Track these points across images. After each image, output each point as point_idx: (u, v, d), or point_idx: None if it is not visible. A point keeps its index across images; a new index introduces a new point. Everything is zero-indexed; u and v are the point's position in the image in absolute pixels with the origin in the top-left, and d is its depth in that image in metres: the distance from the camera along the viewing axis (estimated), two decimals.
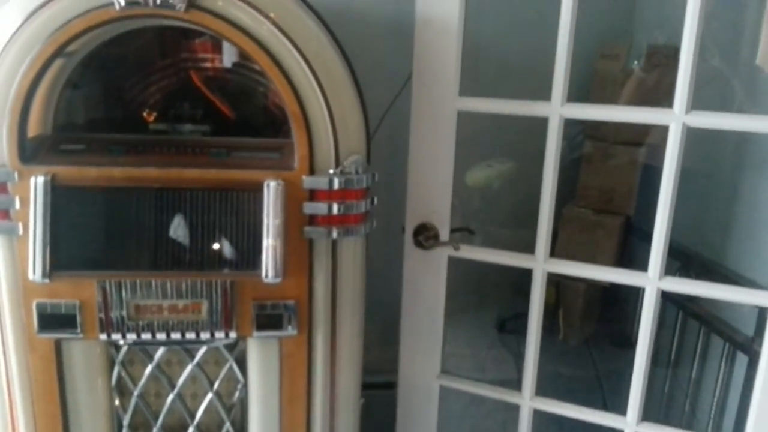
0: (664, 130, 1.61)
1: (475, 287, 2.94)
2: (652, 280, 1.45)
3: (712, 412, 1.80)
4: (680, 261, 1.88)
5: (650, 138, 2.10)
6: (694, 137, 1.39)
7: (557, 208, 1.56)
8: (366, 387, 1.62)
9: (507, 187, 2.71)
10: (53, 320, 1.29)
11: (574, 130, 2.40)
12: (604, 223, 2.08)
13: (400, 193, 1.68)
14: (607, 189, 2.09)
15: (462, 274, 1.79)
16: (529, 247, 1.62)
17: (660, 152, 2.05)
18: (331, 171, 1.32)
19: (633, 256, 2.15)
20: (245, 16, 1.23)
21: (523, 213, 1.98)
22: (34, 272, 1.22)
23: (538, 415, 1.69)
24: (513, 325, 2.85)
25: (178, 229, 1.28)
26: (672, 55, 2.05)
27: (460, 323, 2.77)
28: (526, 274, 1.63)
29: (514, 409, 1.71)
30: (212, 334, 1.35)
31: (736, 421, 1.67)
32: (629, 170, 2.09)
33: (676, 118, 1.36)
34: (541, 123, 1.52)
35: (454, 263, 1.67)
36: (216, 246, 1.30)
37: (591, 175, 2.12)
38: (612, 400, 2.33)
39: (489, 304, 3.00)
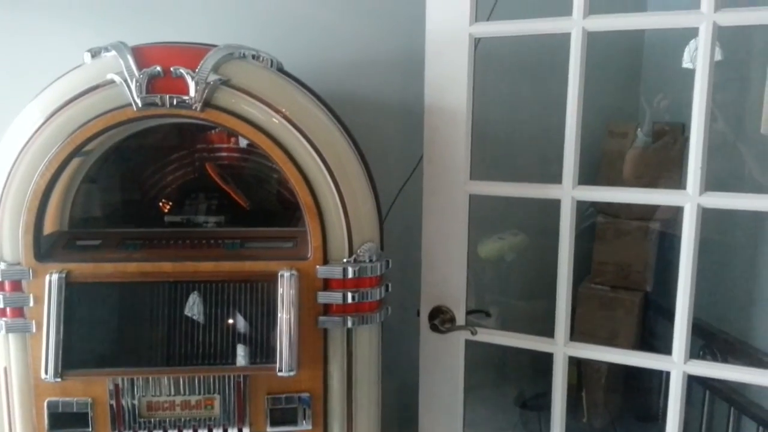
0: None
1: (494, 363, 2.87)
2: (678, 365, 1.41)
3: None
4: (703, 339, 1.83)
5: (662, 213, 2.09)
6: (710, 211, 1.38)
7: (573, 286, 1.54)
8: None
9: (520, 260, 2.69)
10: (64, 419, 1.27)
11: (585, 203, 2.40)
12: (622, 300, 2.04)
13: (414, 276, 1.66)
14: (623, 265, 2.06)
15: (480, 351, 1.75)
16: (546, 320, 1.59)
17: (674, 225, 2.04)
18: (345, 260, 1.32)
19: (654, 332, 2.10)
20: (258, 112, 1.26)
21: (538, 285, 1.95)
22: (47, 372, 1.21)
23: None
24: (535, 403, 2.76)
25: (194, 308, 1.27)
26: (676, 131, 2.08)
27: (480, 401, 2.69)
28: (546, 353, 1.59)
29: None
30: (225, 430, 1.31)
31: None
32: (644, 245, 2.06)
33: (691, 199, 1.35)
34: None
35: (472, 341, 1.63)
36: (229, 339, 1.28)
37: (605, 252, 2.10)
38: None
39: (509, 380, 2.93)
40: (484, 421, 2.65)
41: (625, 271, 2.05)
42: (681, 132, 2.07)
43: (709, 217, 1.38)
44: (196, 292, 1.28)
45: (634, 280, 2.05)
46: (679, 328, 1.39)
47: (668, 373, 1.45)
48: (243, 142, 1.67)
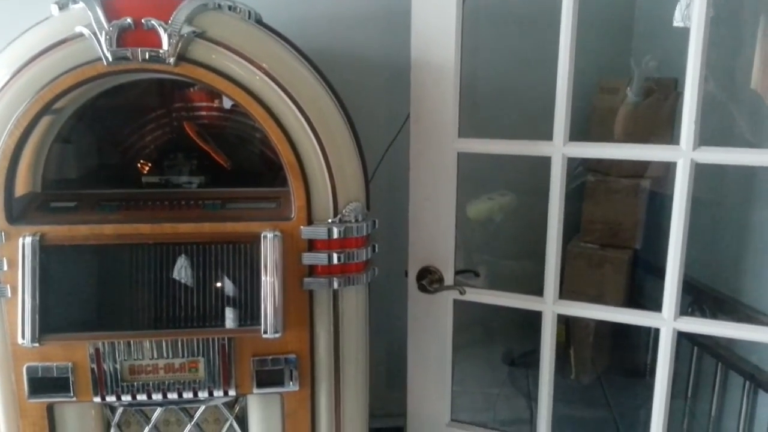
0: (666, 162, 1.56)
1: (483, 322, 2.88)
2: (667, 321, 1.40)
3: None
4: (691, 296, 1.83)
5: (653, 170, 2.06)
6: (701, 168, 1.36)
7: (562, 245, 1.52)
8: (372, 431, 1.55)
9: (509, 220, 2.67)
10: (44, 384, 1.24)
11: (574, 162, 2.37)
12: (611, 258, 2.03)
13: (401, 236, 1.64)
14: (612, 223, 2.04)
15: (470, 310, 1.74)
16: (534, 280, 1.57)
17: (664, 183, 2.02)
18: (330, 220, 1.29)
19: (643, 289, 2.10)
20: (237, 67, 1.21)
21: (527, 245, 1.93)
22: (23, 337, 1.18)
23: None
24: (523, 361, 2.78)
25: (182, 271, 1.24)
26: (667, 86, 2.04)
27: (467, 359, 2.70)
28: (533, 311, 1.58)
29: None
30: (210, 393, 1.29)
31: None
32: (634, 203, 2.04)
33: (684, 155, 1.32)
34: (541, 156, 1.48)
35: (460, 301, 1.62)
36: (212, 301, 1.25)
37: (595, 210, 2.08)
38: None
39: (497, 339, 2.94)
40: (472, 379, 2.67)
41: (615, 229, 2.03)
42: (674, 87, 2.03)
43: (700, 175, 1.35)
44: (183, 255, 1.24)
45: (624, 238, 2.04)
46: (669, 284, 1.37)
47: (657, 330, 1.45)
48: (224, 102, 1.61)
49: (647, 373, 2.29)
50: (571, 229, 2.30)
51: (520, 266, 2.28)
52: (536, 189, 1.59)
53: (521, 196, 2.54)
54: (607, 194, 2.04)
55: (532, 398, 1.87)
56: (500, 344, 2.90)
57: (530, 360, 2.39)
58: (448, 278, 1.58)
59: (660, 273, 1.43)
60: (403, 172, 1.59)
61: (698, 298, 1.82)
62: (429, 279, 1.59)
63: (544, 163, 1.47)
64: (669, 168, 1.82)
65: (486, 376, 2.80)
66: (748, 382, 1.69)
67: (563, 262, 1.53)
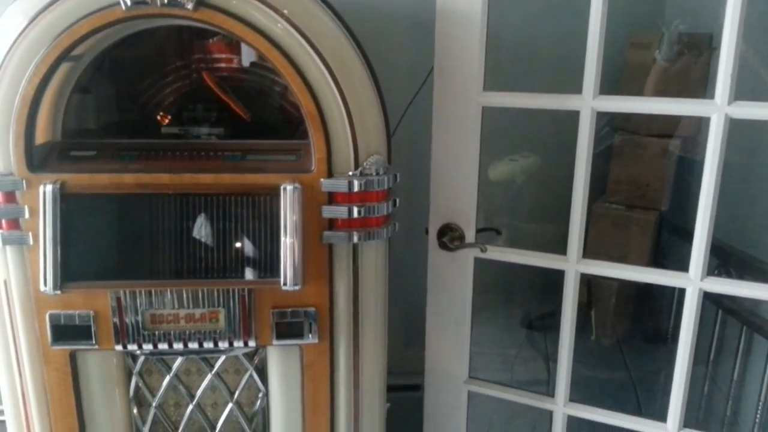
0: (697, 121, 1.52)
1: (502, 284, 2.87)
2: (694, 281, 1.37)
3: (758, 416, 1.70)
4: (719, 258, 1.78)
5: (683, 130, 2.00)
6: (734, 129, 1.30)
7: (587, 205, 1.48)
8: (391, 389, 1.56)
9: (531, 182, 2.63)
10: (67, 331, 1.26)
11: (601, 122, 2.30)
12: (637, 219, 1.98)
13: (423, 193, 1.61)
14: (639, 183, 1.99)
15: (489, 272, 1.72)
16: (556, 243, 1.55)
17: (694, 143, 1.96)
18: (351, 173, 1.26)
19: (668, 252, 2.06)
20: (258, 14, 1.17)
21: (549, 208, 1.90)
22: (46, 284, 1.19)
23: (569, 419, 1.61)
24: (541, 323, 2.77)
25: (202, 230, 1.23)
26: (701, 43, 1.96)
27: (486, 321, 2.70)
28: (553, 273, 1.55)
29: (545, 410, 1.64)
30: (231, 343, 1.30)
31: None
32: (662, 163, 1.99)
33: (718, 109, 1.27)
34: (566, 115, 1.44)
35: (480, 261, 1.60)
36: (232, 253, 1.25)
37: (622, 169, 2.03)
38: (647, 402, 2.25)
39: (516, 301, 2.93)
40: (490, 341, 2.67)
41: (642, 190, 1.99)
42: (708, 44, 1.95)
43: (731, 138, 1.30)
44: (203, 214, 1.24)
45: (651, 199, 1.99)
46: (697, 242, 1.34)
47: (680, 296, 1.42)
48: (244, 54, 1.58)
49: (668, 339, 2.26)
50: (596, 190, 2.25)
51: (541, 230, 2.25)
52: (561, 150, 1.55)
53: (545, 158, 2.49)
54: (635, 154, 1.98)
55: (550, 359, 1.86)
56: (519, 308, 2.89)
57: (549, 322, 2.38)
58: (470, 236, 1.56)
59: (687, 235, 1.39)
60: (425, 127, 1.55)
61: (725, 261, 1.78)
62: (450, 236, 1.57)
63: (570, 122, 1.42)
64: (700, 127, 1.77)
65: (504, 339, 2.80)
66: None
67: (587, 223, 1.50)
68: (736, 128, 1.30)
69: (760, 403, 1.70)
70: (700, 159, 1.33)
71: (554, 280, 1.57)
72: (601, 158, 2.23)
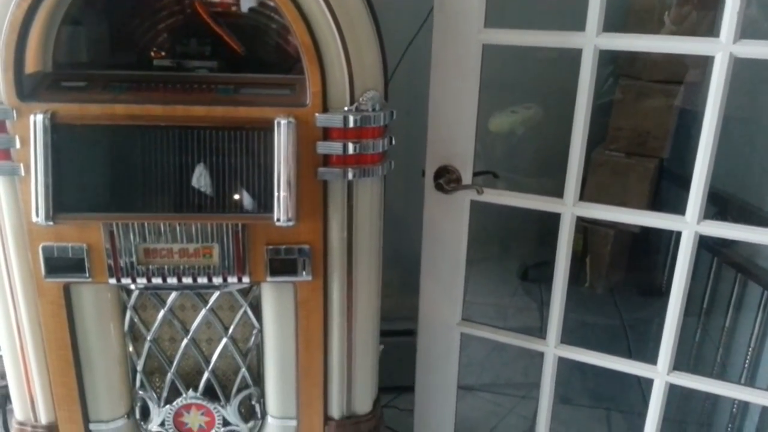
0: (702, 67, 1.49)
1: (497, 236, 2.87)
2: (690, 224, 1.36)
3: (747, 362, 1.72)
4: (717, 206, 1.78)
5: (688, 76, 1.97)
6: (733, 78, 1.28)
7: (586, 152, 1.47)
8: (385, 334, 1.58)
9: (531, 134, 2.61)
10: (60, 264, 1.26)
11: (604, 72, 2.27)
12: (636, 167, 1.97)
13: (420, 135, 1.59)
14: (640, 131, 1.97)
15: (483, 223, 1.72)
16: (554, 195, 1.53)
17: (698, 92, 1.92)
18: (346, 108, 1.24)
19: (666, 200, 2.05)
20: None
21: (548, 161, 1.88)
22: (38, 214, 1.18)
23: (559, 363, 1.63)
24: (536, 274, 2.79)
25: (201, 179, 1.22)
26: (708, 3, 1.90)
27: (481, 272, 2.72)
28: (550, 223, 1.55)
29: (536, 356, 1.66)
30: (224, 279, 1.30)
31: None
32: (665, 110, 1.96)
33: (723, 48, 1.24)
34: (569, 64, 1.41)
35: (475, 210, 1.59)
36: (226, 188, 1.24)
37: (623, 116, 2.00)
38: (637, 350, 2.28)
39: (511, 253, 2.95)
40: (485, 292, 2.69)
41: (643, 137, 1.96)
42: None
43: (732, 86, 1.28)
44: (197, 147, 1.22)
45: (651, 147, 1.97)
46: (696, 184, 1.33)
47: (676, 244, 1.41)
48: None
49: (663, 291, 2.28)
50: (596, 139, 2.23)
51: (540, 183, 2.24)
52: (563, 102, 1.52)
53: (546, 110, 2.46)
54: (638, 100, 1.95)
55: (544, 304, 1.87)
56: (514, 259, 2.91)
57: (543, 272, 2.39)
58: (466, 178, 1.55)
59: (686, 183, 1.38)
60: (425, 70, 1.52)
61: (723, 209, 1.77)
62: (446, 178, 1.56)
63: (573, 71, 1.39)
64: (704, 74, 1.73)
65: (499, 290, 2.83)
66: (765, 293, 1.67)
67: (586, 171, 1.48)
68: (737, 78, 1.27)
69: (750, 350, 1.72)
70: (703, 110, 1.30)
71: (550, 230, 1.57)
72: (602, 110, 2.20)
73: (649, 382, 1.53)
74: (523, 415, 2.17)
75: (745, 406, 1.84)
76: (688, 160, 1.37)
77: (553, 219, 1.52)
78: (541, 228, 2.05)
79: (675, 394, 1.57)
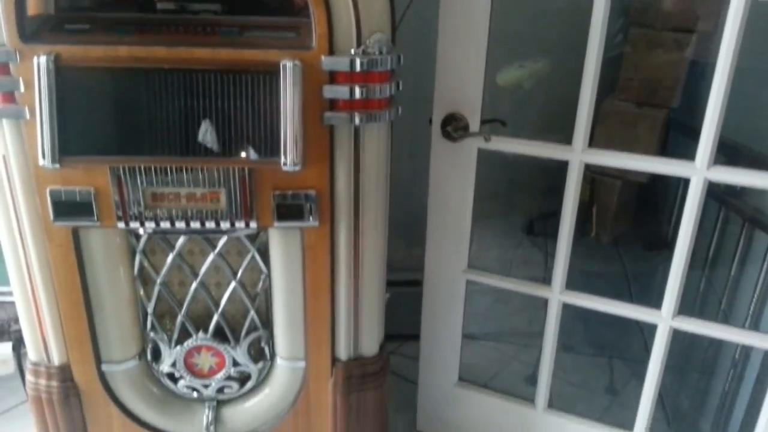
0: (714, 17, 1.45)
1: (503, 192, 2.87)
2: (700, 170, 1.35)
3: (751, 309, 1.73)
4: (726, 155, 1.76)
5: (701, 25, 1.92)
6: (748, 34, 1.24)
7: (596, 103, 1.45)
8: (392, 284, 1.59)
9: (540, 88, 2.57)
10: (68, 208, 1.26)
11: (614, 26, 2.22)
12: (646, 116, 1.94)
13: (428, 84, 1.57)
14: (651, 80, 1.93)
15: (489, 178, 1.72)
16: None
17: (710, 42, 1.88)
18: (353, 51, 1.22)
19: (674, 152, 2.03)
20: None
21: (556, 115, 1.86)
22: (44, 158, 1.18)
23: (563, 312, 1.64)
24: (541, 227, 2.80)
25: (207, 135, 1.21)
26: None
27: (487, 228, 2.73)
28: (556, 176, 1.54)
29: (540, 307, 1.67)
30: (232, 224, 1.31)
31: None
32: (676, 59, 1.92)
33: None
34: (578, 17, 1.38)
35: (482, 163, 1.58)
36: (232, 132, 1.23)
37: (634, 66, 1.96)
38: (640, 301, 2.30)
39: (516, 208, 2.95)
40: (489, 246, 2.71)
41: (653, 87, 1.93)
42: None
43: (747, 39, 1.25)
44: (202, 91, 1.20)
45: (662, 96, 1.94)
46: (707, 129, 1.31)
47: (683, 195, 1.40)
48: None
49: (667, 242, 2.28)
50: (606, 91, 2.20)
51: (548, 138, 2.23)
52: (571, 56, 1.49)
53: (556, 64, 2.42)
54: (649, 49, 1.91)
55: (549, 254, 1.88)
56: (520, 214, 2.91)
57: (549, 224, 2.40)
58: (474, 126, 1.54)
59: (695, 134, 1.36)
60: (433, 15, 1.49)
61: (733, 158, 1.75)
62: (454, 126, 1.54)
63: (583, 22, 1.36)
64: (716, 24, 1.70)
65: (503, 244, 2.84)
66: None
67: (594, 122, 1.47)
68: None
69: (755, 297, 1.73)
70: (714, 61, 1.28)
71: (556, 183, 1.56)
72: (612, 63, 2.16)
73: (651, 332, 1.54)
74: (527, 362, 2.21)
75: (746, 355, 1.86)
76: (698, 110, 1.35)
77: (560, 172, 1.52)
78: (548, 182, 2.04)
79: (677, 343, 1.59)
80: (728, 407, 1.92)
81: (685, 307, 1.51)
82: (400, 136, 1.41)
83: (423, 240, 1.73)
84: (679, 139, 1.97)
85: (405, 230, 2.10)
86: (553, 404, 1.75)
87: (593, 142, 1.47)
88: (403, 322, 1.97)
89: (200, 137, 1.22)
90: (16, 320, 1.51)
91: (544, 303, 1.65)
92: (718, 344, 2.02)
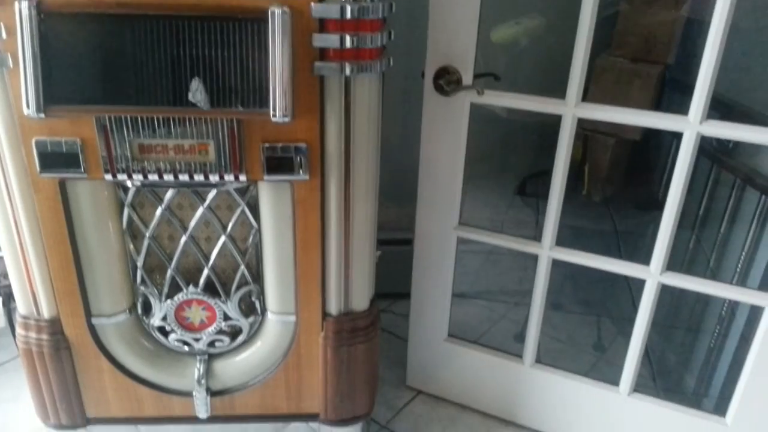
0: None
1: (495, 152, 2.86)
2: (692, 125, 1.34)
3: (739, 267, 1.75)
4: (720, 112, 1.75)
5: None
6: None
7: (590, 58, 1.42)
8: (383, 243, 1.59)
9: (535, 46, 2.54)
10: (55, 159, 1.24)
11: None
12: (640, 72, 1.92)
13: (420, 38, 1.54)
14: (647, 35, 1.90)
15: (482, 138, 1.70)
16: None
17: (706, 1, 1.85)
18: None
19: (669, 109, 2.02)
20: None
21: (551, 73, 1.84)
22: (29, 107, 1.15)
23: (552, 271, 1.65)
24: (533, 188, 2.80)
25: (197, 94, 1.19)
26: None
27: (479, 189, 2.72)
28: (549, 134, 1.52)
29: (530, 267, 1.68)
30: (221, 177, 1.29)
31: (765, 274, 1.62)
32: (673, 13, 1.89)
33: None
34: None
35: (474, 123, 1.56)
36: (220, 82, 1.20)
37: (631, 21, 1.93)
38: (629, 260, 2.32)
39: (508, 169, 2.94)
40: (481, 207, 2.70)
41: (649, 43, 1.91)
42: None
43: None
44: (189, 39, 1.17)
45: (657, 53, 1.92)
46: (701, 84, 1.30)
47: (677, 151, 1.40)
48: None
49: (658, 202, 2.28)
50: (601, 47, 2.18)
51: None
52: (568, 11, 1.46)
53: (551, 21, 2.39)
54: (646, 3, 1.88)
55: (540, 213, 1.87)
56: (511, 176, 2.91)
57: (540, 184, 2.39)
58: (467, 79, 1.51)
59: (690, 91, 1.35)
60: None
61: (726, 114, 1.74)
62: (446, 79, 1.52)
63: None
64: None
65: (495, 204, 2.84)
66: (762, 198, 1.67)
67: (589, 79, 1.45)
68: None
69: (743, 255, 1.75)
70: (710, 18, 1.26)
71: (549, 142, 1.54)
72: (608, 20, 2.13)
73: (640, 291, 1.55)
74: (516, 320, 2.23)
75: (732, 313, 1.89)
76: (694, 67, 1.33)
77: (553, 131, 1.50)
78: (540, 141, 2.02)
79: (664, 305, 1.60)
80: (713, 364, 1.96)
81: (674, 266, 1.52)
82: (391, 97, 1.39)
83: (414, 199, 1.72)
84: (673, 96, 1.96)
85: (396, 190, 2.10)
86: (540, 360, 1.77)
87: (587, 98, 1.46)
88: (395, 281, 1.98)
89: (191, 96, 1.19)
90: (6, 276, 1.50)
91: (535, 263, 1.65)
92: (704, 303, 2.04)
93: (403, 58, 1.42)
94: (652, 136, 2.10)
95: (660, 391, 1.97)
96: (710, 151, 1.74)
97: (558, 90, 1.48)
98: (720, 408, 1.62)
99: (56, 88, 1.16)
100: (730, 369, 1.80)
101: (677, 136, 1.38)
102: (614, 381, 1.70)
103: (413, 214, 1.74)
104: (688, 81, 1.38)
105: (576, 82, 1.41)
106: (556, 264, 1.63)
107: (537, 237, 1.63)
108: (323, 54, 1.22)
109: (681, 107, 1.41)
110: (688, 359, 2.13)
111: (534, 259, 1.65)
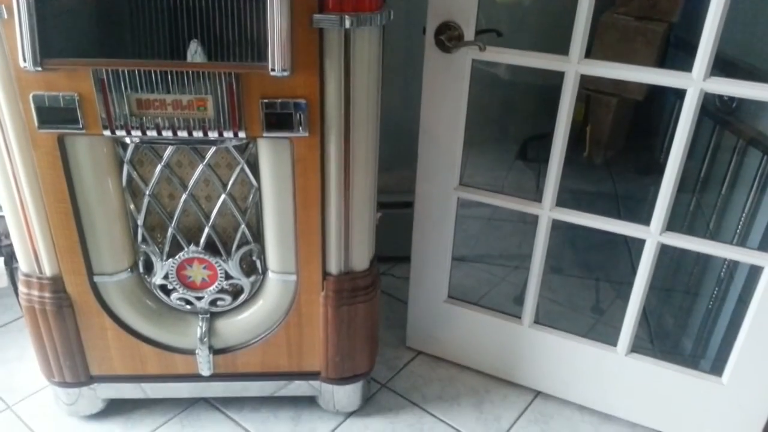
0: None
1: (497, 116, 2.83)
2: (696, 81, 1.33)
3: (739, 228, 1.75)
4: (725, 72, 1.73)
5: None
6: None
7: (594, 16, 1.40)
8: (383, 206, 1.59)
9: (538, 3, 2.50)
10: (53, 114, 1.24)
11: None
12: (644, 30, 1.89)
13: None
14: None
15: (484, 100, 1.68)
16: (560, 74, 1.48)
17: None
18: None
19: (673, 67, 1.99)
20: None
21: (554, 34, 1.81)
22: (25, 59, 1.14)
23: (552, 235, 1.65)
24: (534, 151, 2.78)
25: (196, 56, 1.17)
26: None
27: (480, 153, 2.71)
28: (551, 97, 1.50)
29: (530, 232, 1.67)
30: (220, 134, 1.28)
31: (765, 235, 1.62)
32: None
33: None
34: None
35: (475, 85, 1.54)
36: (217, 36, 1.19)
37: None
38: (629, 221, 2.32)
39: (510, 133, 2.92)
40: (484, 170, 2.69)
41: (654, 0, 1.87)
42: None
43: None
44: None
45: (662, 10, 1.89)
46: (705, 41, 1.28)
47: (680, 111, 1.38)
48: None
49: (660, 165, 2.27)
50: (605, 5, 2.14)
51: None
52: None
53: None
54: None
55: (541, 175, 1.87)
56: (512, 140, 2.89)
57: (541, 147, 2.38)
58: (469, 35, 1.49)
59: (694, 50, 1.33)
60: None
61: (731, 73, 1.72)
62: (448, 35, 1.50)
63: None
64: None
65: (495, 167, 2.83)
66: (764, 159, 1.66)
67: (592, 36, 1.42)
68: None
69: (743, 215, 1.74)
70: None
71: (550, 104, 1.52)
72: None
73: (639, 255, 1.55)
74: (515, 283, 2.24)
75: (730, 275, 1.89)
76: (698, 26, 1.31)
77: (554, 93, 1.48)
78: (541, 104, 2.00)
79: (663, 265, 1.60)
80: (710, 326, 1.97)
81: (673, 228, 1.52)
82: (392, 59, 1.36)
83: (415, 162, 1.71)
84: (678, 55, 1.93)
85: (398, 153, 2.08)
86: (539, 321, 1.78)
87: (590, 56, 1.43)
88: (395, 244, 1.99)
89: (189, 58, 1.18)
90: (7, 235, 1.50)
91: (535, 229, 1.65)
92: (703, 265, 2.05)
93: (404, 18, 1.39)
94: (654, 95, 2.08)
95: (657, 353, 1.98)
96: (713, 111, 1.72)
97: (561, 50, 1.46)
98: (716, 368, 1.63)
99: (53, 42, 1.14)
100: (727, 331, 1.81)
101: (680, 97, 1.37)
102: (612, 342, 1.71)
103: (414, 178, 1.73)
104: (693, 40, 1.36)
105: (579, 38, 1.39)
106: (556, 228, 1.62)
107: (538, 200, 1.62)
108: (322, 6, 1.20)
109: (685, 66, 1.39)
110: (686, 322, 2.14)
111: (534, 224, 1.65)
